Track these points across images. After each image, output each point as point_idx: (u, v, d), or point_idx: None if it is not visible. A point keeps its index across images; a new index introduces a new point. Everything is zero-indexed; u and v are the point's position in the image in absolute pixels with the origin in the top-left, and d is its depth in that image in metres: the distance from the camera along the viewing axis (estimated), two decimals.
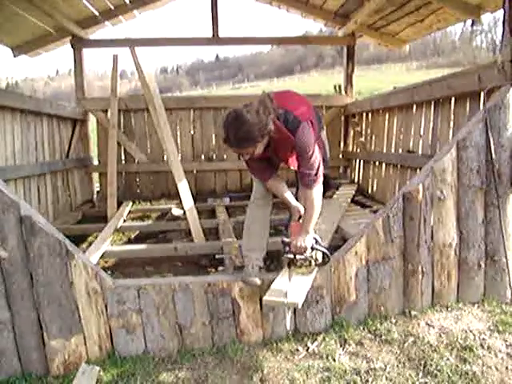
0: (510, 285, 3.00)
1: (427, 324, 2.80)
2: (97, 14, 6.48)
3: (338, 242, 3.79)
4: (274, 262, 3.80)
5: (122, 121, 6.84)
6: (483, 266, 3.03)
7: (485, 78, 3.31)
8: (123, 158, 6.97)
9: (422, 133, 4.81)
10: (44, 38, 6.44)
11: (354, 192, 6.01)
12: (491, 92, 3.13)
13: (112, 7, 6.51)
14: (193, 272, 3.95)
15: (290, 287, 2.52)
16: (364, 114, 6.59)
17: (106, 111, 6.59)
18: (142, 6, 6.74)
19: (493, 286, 3.05)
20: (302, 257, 2.66)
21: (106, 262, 4.24)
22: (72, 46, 6.69)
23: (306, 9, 6.97)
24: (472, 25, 47.83)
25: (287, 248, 2.70)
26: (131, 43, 6.13)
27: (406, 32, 6.67)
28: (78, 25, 6.39)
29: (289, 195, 2.87)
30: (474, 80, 3.46)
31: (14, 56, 6.47)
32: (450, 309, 2.97)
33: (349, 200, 5.47)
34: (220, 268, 3.95)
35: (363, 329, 2.80)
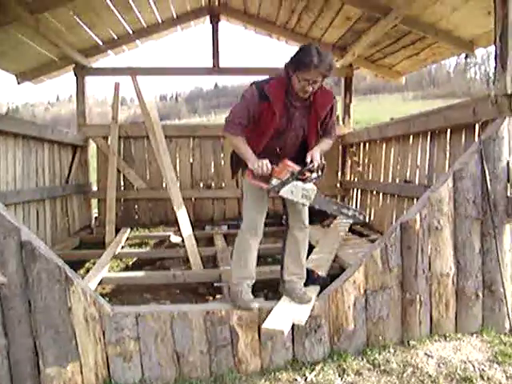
0: (508, 315, 3.01)
1: (426, 354, 2.79)
2: (100, 43, 6.63)
3: (337, 271, 3.80)
4: (271, 290, 3.80)
5: (122, 148, 6.91)
6: (481, 295, 3.04)
7: (479, 111, 3.39)
8: (122, 184, 7.01)
9: (418, 163, 4.87)
10: (48, 65, 6.57)
11: (351, 221, 6.04)
12: (486, 124, 3.22)
13: (115, 37, 6.67)
14: (191, 300, 3.94)
15: (290, 316, 2.52)
16: (361, 144, 6.68)
17: (107, 138, 6.65)
18: (144, 36, 6.91)
19: (491, 316, 3.05)
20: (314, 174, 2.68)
21: (103, 289, 4.22)
22: (75, 74, 6.82)
23: (304, 41, 7.12)
24: (466, 57, 48.85)
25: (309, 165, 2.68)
26: (133, 72, 6.25)
27: (402, 64, 6.84)
28: (82, 53, 6.54)
29: None
30: (469, 112, 3.55)
31: (18, 83, 6.60)
32: (448, 339, 2.96)
33: (346, 229, 5.50)
34: (218, 296, 3.93)
35: (362, 358, 2.78)
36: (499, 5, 3.00)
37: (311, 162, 2.71)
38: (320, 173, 2.73)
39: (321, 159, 2.74)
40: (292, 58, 2.66)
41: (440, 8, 4.79)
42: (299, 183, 2.67)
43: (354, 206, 2.65)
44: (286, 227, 3.08)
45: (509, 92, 2.98)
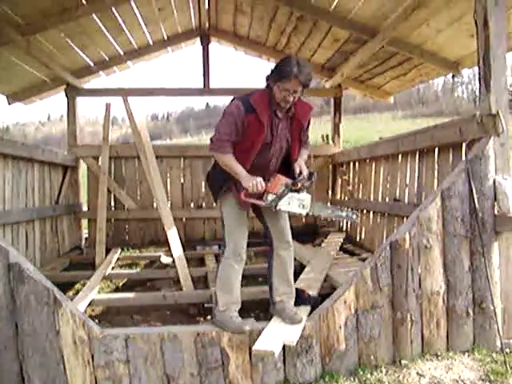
0: (499, 333, 3.01)
1: (418, 374, 2.78)
2: (92, 64, 6.68)
3: (328, 290, 3.79)
4: (262, 311, 3.77)
5: (112, 168, 6.91)
6: (471, 313, 3.05)
7: (465, 131, 3.45)
8: (113, 204, 6.98)
9: (408, 182, 4.92)
10: (39, 86, 6.60)
11: (342, 240, 6.06)
12: (472, 143, 3.27)
13: (107, 58, 6.71)
14: (181, 321, 3.90)
15: (280, 337, 2.51)
16: (351, 163, 6.74)
17: (97, 158, 6.64)
18: (135, 58, 6.97)
19: (482, 334, 3.06)
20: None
21: (93, 311, 4.17)
22: (66, 95, 6.84)
23: None
24: (453, 77, 49.76)
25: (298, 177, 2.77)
26: (124, 93, 6.30)
27: (390, 85, 6.95)
28: (73, 74, 6.57)
29: None
30: (456, 132, 3.60)
31: (9, 103, 6.60)
32: (440, 357, 2.95)
33: (337, 248, 5.51)
34: (209, 317, 3.90)
35: (353, 379, 2.76)
36: (481, 28, 3.09)
37: (300, 172, 2.79)
38: (312, 179, 2.79)
39: (308, 168, 2.85)
40: (273, 70, 2.75)
41: (425, 30, 4.91)
42: (294, 194, 2.72)
43: (347, 210, 2.79)
44: (269, 248, 3.08)
45: (493, 112, 3.04)
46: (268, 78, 2.78)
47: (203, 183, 7.19)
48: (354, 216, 2.92)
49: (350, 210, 2.92)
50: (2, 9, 4.42)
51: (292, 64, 2.64)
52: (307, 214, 2.81)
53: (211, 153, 2.83)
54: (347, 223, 6.79)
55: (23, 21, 4.81)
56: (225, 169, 2.81)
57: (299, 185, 2.73)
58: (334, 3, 5.06)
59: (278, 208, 2.74)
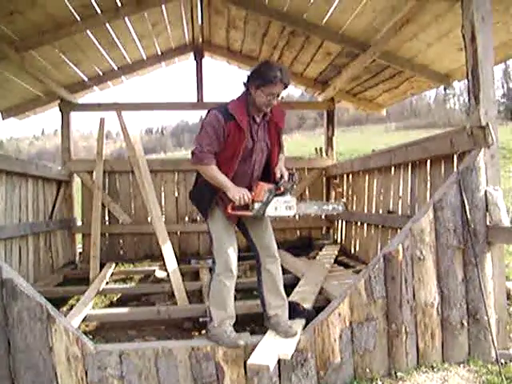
0: (493, 344, 3.02)
1: None
2: (86, 79, 6.71)
3: (322, 303, 3.78)
4: (257, 325, 3.76)
5: (106, 182, 6.90)
6: (466, 324, 3.05)
7: (456, 142, 3.49)
8: (107, 219, 6.96)
9: (401, 194, 4.95)
10: (33, 101, 6.62)
11: (336, 253, 6.07)
12: (463, 155, 3.31)
13: (101, 73, 6.76)
14: (176, 336, 3.87)
15: (275, 351, 2.50)
16: (345, 176, 6.77)
17: (91, 173, 6.64)
18: (129, 73, 7.02)
19: (477, 345, 3.06)
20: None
21: (87, 326, 4.13)
22: (60, 110, 6.86)
23: None
24: (445, 89, 50.33)
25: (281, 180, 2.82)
26: (118, 107, 6.32)
27: (383, 97, 7.03)
28: (67, 89, 6.60)
29: None
30: (447, 144, 3.64)
31: (3, 119, 6.63)
32: (435, 369, 2.95)
33: (332, 261, 5.51)
34: (204, 331, 3.88)
35: None
36: (469, 42, 3.15)
37: (281, 175, 2.85)
38: (295, 181, 2.84)
39: (287, 170, 2.91)
40: (254, 75, 2.78)
41: (416, 44, 4.99)
42: (279, 198, 2.76)
43: (332, 203, 2.89)
44: (256, 263, 3.07)
45: (483, 124, 3.09)
46: (247, 84, 2.81)
47: None
48: (341, 207, 2.96)
49: (335, 201, 2.96)
50: None
51: (275, 68, 2.72)
52: (295, 215, 2.86)
53: (194, 166, 2.82)
54: (341, 236, 6.80)
55: (18, 37, 4.84)
56: (209, 181, 2.80)
57: (282, 188, 2.78)
58: (326, 18, 5.14)
59: (266, 215, 2.77)
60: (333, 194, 7.28)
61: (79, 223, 7.08)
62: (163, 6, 5.44)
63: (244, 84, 2.84)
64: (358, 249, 6.18)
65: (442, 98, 56.51)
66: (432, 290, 3.01)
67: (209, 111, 2.83)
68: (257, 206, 2.74)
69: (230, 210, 2.78)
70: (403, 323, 2.91)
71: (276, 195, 2.76)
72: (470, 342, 3.07)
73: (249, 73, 2.84)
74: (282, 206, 2.76)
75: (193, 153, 2.80)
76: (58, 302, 4.63)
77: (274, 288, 3.01)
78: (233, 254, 2.88)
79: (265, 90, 2.71)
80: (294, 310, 3.15)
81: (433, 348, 3.02)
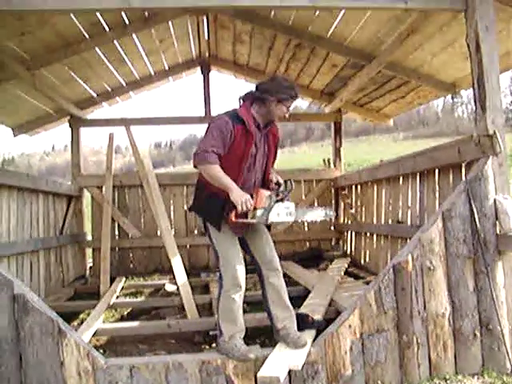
0: (508, 354, 2.97)
1: None
2: (95, 95, 6.81)
3: (332, 314, 3.76)
4: (267, 337, 3.74)
5: (116, 197, 6.95)
6: (479, 335, 3.02)
7: (464, 151, 3.48)
8: (117, 233, 6.99)
9: (409, 204, 4.93)
10: (43, 118, 6.72)
11: (346, 264, 6.04)
12: (471, 164, 3.30)
13: (109, 89, 6.85)
14: (187, 349, 3.86)
15: (285, 362, 2.49)
16: (353, 187, 6.77)
17: (101, 187, 6.70)
18: (137, 88, 7.11)
19: (491, 356, 3.02)
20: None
21: (97, 341, 4.14)
22: (70, 126, 6.95)
23: None
24: (453, 97, 50.19)
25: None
26: (127, 123, 6.40)
27: (390, 108, 7.03)
28: (77, 106, 6.69)
29: None
30: (455, 153, 3.64)
31: (14, 135, 6.72)
32: (449, 381, 2.91)
33: (342, 272, 5.48)
34: (214, 345, 3.87)
35: None
36: (474, 51, 3.16)
37: (278, 182, 2.93)
38: (292, 187, 2.88)
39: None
40: (273, 89, 2.86)
41: (421, 54, 5.00)
42: (280, 204, 2.79)
43: (325, 208, 3.07)
44: (259, 277, 3.06)
45: (490, 132, 3.08)
46: (262, 96, 2.87)
47: None
48: (332, 212, 3.07)
49: (326, 208, 3.06)
50: (9, 45, 4.55)
51: (292, 85, 2.93)
52: (295, 221, 2.90)
53: (197, 166, 2.78)
54: (351, 247, 6.78)
55: (29, 56, 4.94)
56: (212, 182, 2.76)
57: (281, 195, 2.82)
58: (331, 30, 5.18)
59: (269, 221, 2.78)
60: (341, 205, 7.28)
61: (89, 238, 7.13)
62: (170, 22, 5.52)
63: (259, 95, 2.89)
64: (367, 260, 6.15)
65: (450, 106, 56.35)
66: (443, 301, 2.98)
67: (218, 115, 2.91)
68: (259, 212, 2.75)
69: (233, 218, 2.76)
70: (414, 334, 2.89)
71: (276, 201, 2.78)
72: (484, 353, 3.03)
73: (265, 86, 2.91)
74: (283, 212, 2.79)
75: (195, 154, 2.78)
76: (69, 317, 4.66)
77: (280, 300, 3.00)
78: (240, 268, 2.87)
79: (285, 104, 2.88)
80: (304, 322, 3.14)
81: (445, 359, 2.98)
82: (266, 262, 3.01)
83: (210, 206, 2.90)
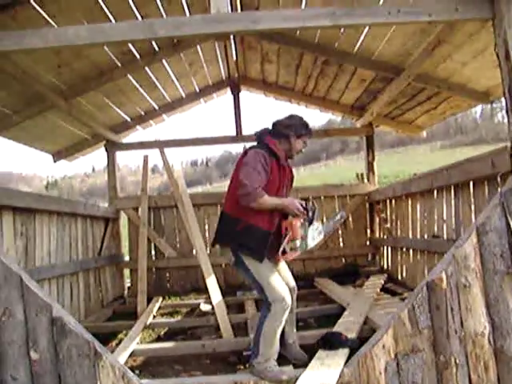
0: None
1: None
2: (129, 120, 7.04)
3: (367, 333, 3.69)
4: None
5: (152, 217, 7.09)
6: None
7: (497, 163, 3.38)
8: (153, 253, 7.12)
9: (445, 217, 4.81)
10: (81, 143, 6.98)
11: (382, 281, 5.92)
12: (506, 176, 3.19)
13: (143, 113, 7.07)
14: (221, 369, 3.87)
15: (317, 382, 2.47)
16: (388, 201, 6.67)
17: (137, 209, 6.87)
18: (170, 111, 7.29)
19: None
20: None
21: (134, 361, 4.21)
22: (106, 150, 7.19)
23: (323, 104, 7.36)
24: (491, 103, 48.71)
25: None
26: (160, 145, 6.57)
27: (422, 119, 6.91)
28: (112, 130, 6.93)
29: None
30: (488, 165, 3.54)
31: (54, 161, 7.01)
32: None
33: (378, 289, 5.38)
34: (248, 365, 3.86)
35: None
36: (503, 60, 3.08)
37: (305, 207, 3.04)
38: (315, 209, 3.04)
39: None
40: (293, 125, 3.19)
41: (450, 64, 4.91)
42: (310, 227, 2.99)
43: (337, 214, 3.38)
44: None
45: None
46: (285, 132, 3.16)
47: None
48: (343, 213, 3.72)
49: (338, 212, 3.35)
50: (47, 78, 4.79)
51: (307, 123, 3.25)
52: (325, 236, 3.21)
53: (251, 206, 2.89)
54: (388, 262, 6.65)
55: (65, 86, 5.17)
56: (266, 209, 2.93)
57: (308, 218, 3.00)
58: (357, 45, 5.18)
59: (309, 248, 3.00)
60: (376, 219, 7.17)
61: (127, 258, 7.28)
62: (198, 46, 5.67)
63: (283, 132, 3.17)
64: (404, 275, 6.01)
65: (488, 112, 54.73)
66: (481, 319, 2.87)
67: (248, 150, 3.10)
68: (299, 242, 2.96)
69: (281, 258, 3.06)
70: (452, 354, 2.79)
71: (307, 227, 2.98)
72: None
73: (286, 122, 3.20)
74: (316, 234, 2.99)
75: (246, 193, 2.86)
76: (108, 337, 4.77)
77: (293, 319, 3.35)
78: (287, 289, 3.02)
79: (304, 139, 3.22)
80: (337, 340, 3.12)
81: (487, 381, 2.84)
82: (291, 288, 3.21)
83: (249, 238, 2.96)
